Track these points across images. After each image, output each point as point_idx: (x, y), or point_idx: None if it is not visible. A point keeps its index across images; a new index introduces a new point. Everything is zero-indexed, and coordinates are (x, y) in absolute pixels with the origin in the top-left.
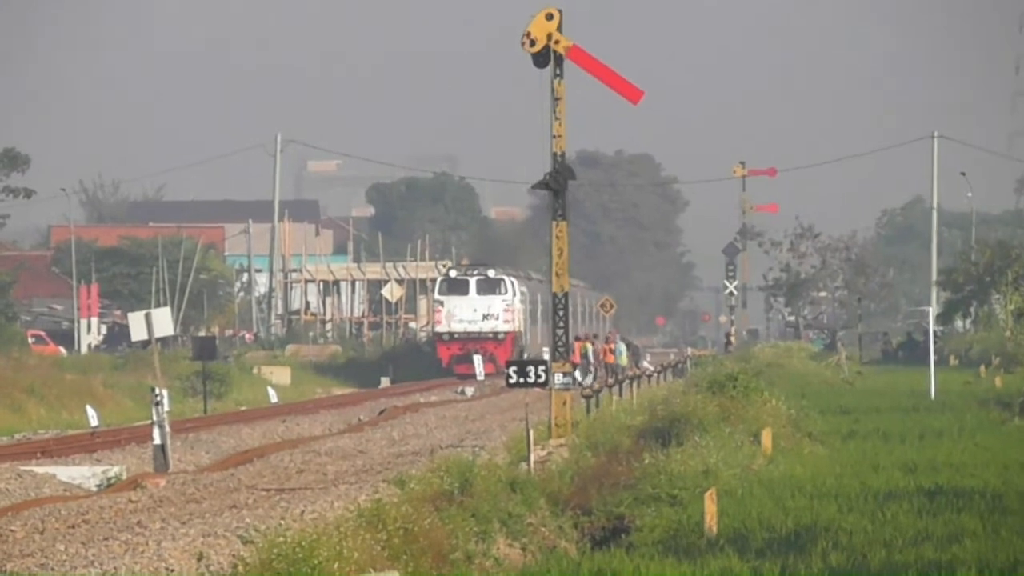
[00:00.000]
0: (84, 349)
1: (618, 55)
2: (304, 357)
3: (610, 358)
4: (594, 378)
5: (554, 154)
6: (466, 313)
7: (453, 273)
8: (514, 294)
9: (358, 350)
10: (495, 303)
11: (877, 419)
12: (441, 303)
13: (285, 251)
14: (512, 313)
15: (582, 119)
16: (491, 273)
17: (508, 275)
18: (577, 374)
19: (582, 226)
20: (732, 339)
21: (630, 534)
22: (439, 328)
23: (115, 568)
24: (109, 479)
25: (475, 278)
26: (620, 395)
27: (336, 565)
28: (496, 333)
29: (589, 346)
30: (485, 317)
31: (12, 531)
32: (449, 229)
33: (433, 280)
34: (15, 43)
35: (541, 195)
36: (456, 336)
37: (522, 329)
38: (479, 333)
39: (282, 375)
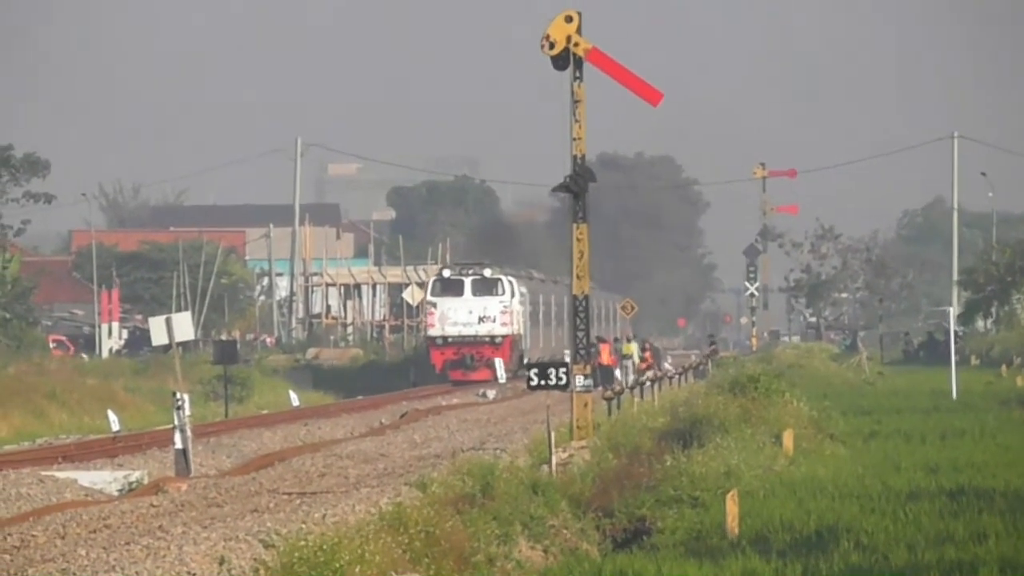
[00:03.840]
0: (105, 354)
1: (637, 57)
2: (326, 361)
3: (612, 360)
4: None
5: (574, 157)
6: (460, 315)
7: (446, 273)
8: (512, 295)
9: (379, 353)
10: (491, 304)
11: (899, 419)
12: (434, 305)
13: (306, 255)
14: (510, 315)
15: (602, 122)
16: (487, 273)
17: (506, 275)
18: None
19: (602, 228)
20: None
21: (652, 536)
22: (431, 332)
23: (137, 573)
24: (131, 484)
25: (470, 278)
26: (641, 397)
27: (358, 569)
28: (493, 337)
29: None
30: (481, 320)
31: (34, 536)
32: (470, 232)
33: None
34: (34, 49)
35: (562, 197)
36: (450, 340)
37: (521, 332)
38: (474, 337)
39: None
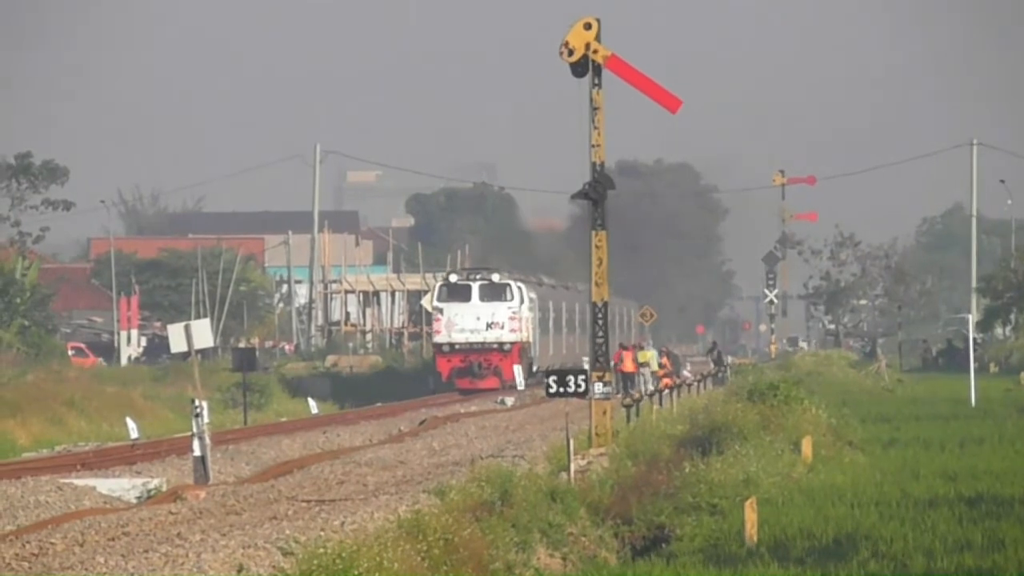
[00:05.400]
0: (124, 361)
1: (655, 64)
2: (345, 368)
3: (633, 367)
4: (653, 382)
5: (593, 164)
6: (468, 322)
7: (453, 278)
8: (521, 301)
9: (398, 361)
10: (500, 310)
11: (917, 427)
12: (440, 311)
13: (325, 262)
14: (519, 321)
15: (622, 128)
16: (495, 278)
17: (515, 280)
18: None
19: (621, 235)
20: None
21: (671, 543)
22: (438, 339)
23: None
24: (149, 491)
25: (478, 283)
26: (660, 404)
27: None
28: (501, 344)
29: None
30: (489, 326)
31: (52, 544)
32: (489, 239)
33: None
34: (52, 57)
35: (582, 205)
36: (457, 347)
37: (531, 339)
38: (482, 344)
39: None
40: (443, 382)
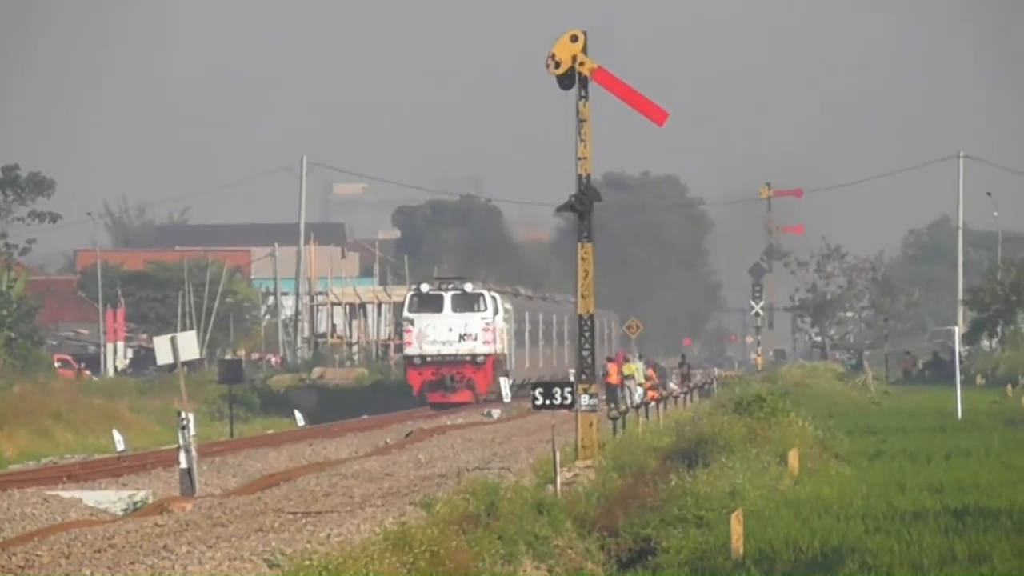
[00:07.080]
0: (111, 373)
1: (642, 76)
2: (331, 380)
3: (618, 379)
4: (640, 398)
5: (580, 176)
6: (440, 333)
7: (425, 288)
8: (496, 311)
9: (384, 373)
10: (473, 321)
11: (904, 439)
12: (411, 322)
13: (311, 274)
14: (493, 333)
15: (608, 140)
16: (468, 287)
17: (489, 290)
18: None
19: (608, 248)
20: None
21: (656, 556)
22: (409, 351)
23: None
24: (135, 503)
25: (450, 293)
26: (647, 416)
27: None
28: (474, 356)
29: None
30: (462, 337)
31: (38, 556)
32: (473, 250)
33: None
34: (38, 68)
35: (568, 217)
36: (428, 359)
37: (506, 351)
38: (455, 356)
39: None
40: (414, 396)
